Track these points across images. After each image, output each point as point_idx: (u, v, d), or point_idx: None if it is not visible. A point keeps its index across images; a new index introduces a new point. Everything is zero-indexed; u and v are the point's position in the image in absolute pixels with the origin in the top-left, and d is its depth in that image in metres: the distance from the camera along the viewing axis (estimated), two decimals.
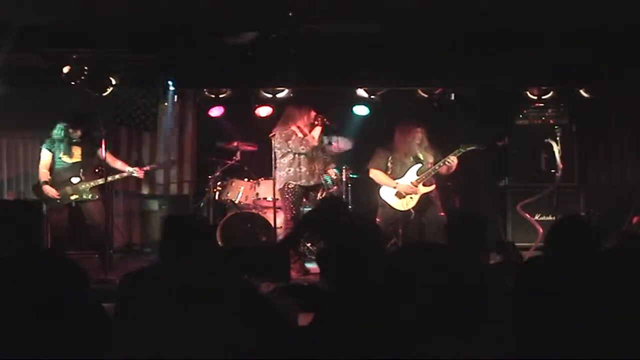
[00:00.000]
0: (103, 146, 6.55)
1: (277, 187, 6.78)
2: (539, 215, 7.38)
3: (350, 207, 7.58)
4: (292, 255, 6.52)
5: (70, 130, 6.65)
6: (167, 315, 2.17)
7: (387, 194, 6.86)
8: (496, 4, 6.04)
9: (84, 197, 6.67)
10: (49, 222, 6.66)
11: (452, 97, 8.07)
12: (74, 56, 6.95)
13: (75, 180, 6.66)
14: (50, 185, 6.62)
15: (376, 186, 6.96)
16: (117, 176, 6.86)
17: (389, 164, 6.87)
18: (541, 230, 6.89)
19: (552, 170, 6.96)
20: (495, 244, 6.15)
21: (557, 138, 6.94)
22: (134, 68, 7.17)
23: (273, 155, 6.83)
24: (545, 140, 7.08)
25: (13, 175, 8.34)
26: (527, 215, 7.25)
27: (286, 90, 7.85)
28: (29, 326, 2.10)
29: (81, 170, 6.67)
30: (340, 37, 6.67)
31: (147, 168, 7.24)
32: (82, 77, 6.99)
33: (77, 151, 6.68)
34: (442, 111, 8.05)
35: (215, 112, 8.27)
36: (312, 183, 6.82)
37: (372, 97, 7.92)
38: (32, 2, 6.03)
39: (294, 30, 6.16)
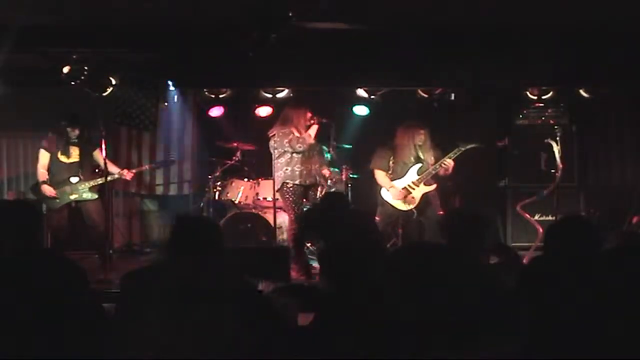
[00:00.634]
0: (103, 146, 6.54)
1: (276, 187, 6.81)
2: (539, 215, 7.38)
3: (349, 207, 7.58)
4: (299, 255, 6.56)
5: (69, 130, 6.62)
6: (167, 315, 2.17)
7: (387, 194, 6.87)
8: (496, 4, 6.04)
9: (84, 196, 6.65)
10: (49, 223, 6.65)
11: (452, 97, 8.07)
12: (74, 56, 6.95)
13: (74, 180, 6.64)
14: (49, 185, 6.61)
15: (377, 186, 6.96)
16: (109, 177, 6.83)
17: (390, 164, 6.87)
18: (541, 230, 6.89)
19: (552, 170, 6.96)
20: (494, 244, 6.15)
21: (557, 138, 6.94)
22: (134, 68, 7.17)
23: (276, 156, 6.87)
24: (545, 140, 7.08)
25: (13, 175, 8.34)
26: (527, 215, 7.25)
27: (286, 90, 7.85)
28: (29, 326, 2.10)
29: (80, 170, 6.66)
30: (341, 37, 6.67)
31: (141, 168, 7.27)
32: (82, 77, 6.98)
33: (75, 151, 6.66)
34: (442, 111, 8.05)
35: (215, 112, 8.27)
36: (308, 182, 6.85)
37: (372, 97, 7.92)
38: (32, 2, 6.03)
39: (294, 30, 6.16)
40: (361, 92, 7.89)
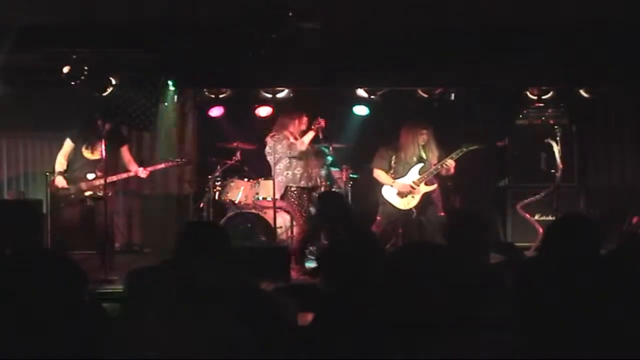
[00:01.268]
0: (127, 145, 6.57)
1: (279, 193, 6.93)
2: (539, 215, 7.38)
3: (349, 206, 7.58)
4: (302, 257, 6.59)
5: (99, 122, 6.42)
6: (170, 315, 2.18)
7: (388, 192, 6.87)
8: (496, 4, 6.04)
9: (98, 193, 6.49)
10: (60, 217, 6.55)
11: (452, 97, 8.07)
12: (74, 56, 6.95)
13: (90, 176, 6.51)
14: (64, 178, 6.47)
15: (377, 185, 6.97)
16: (123, 175, 6.78)
17: (392, 163, 6.88)
18: (541, 230, 6.89)
19: (552, 170, 6.96)
20: (495, 244, 6.16)
21: (557, 138, 6.94)
22: (134, 68, 7.16)
23: (273, 161, 6.97)
24: (545, 140, 7.08)
25: (13, 175, 8.33)
26: (527, 215, 7.26)
27: (286, 90, 7.86)
28: (28, 326, 2.10)
29: (98, 167, 6.46)
30: (340, 37, 6.67)
31: (153, 168, 7.10)
32: (82, 77, 6.97)
33: (101, 147, 6.41)
34: (442, 111, 8.05)
35: (215, 112, 8.26)
36: (310, 184, 6.93)
37: (372, 97, 7.92)
38: (32, 2, 6.03)
39: (294, 30, 6.16)
40: (361, 92, 7.90)
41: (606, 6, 6.01)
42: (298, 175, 6.84)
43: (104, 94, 7.20)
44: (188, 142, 8.59)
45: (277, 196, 6.99)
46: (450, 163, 6.72)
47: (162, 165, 7.32)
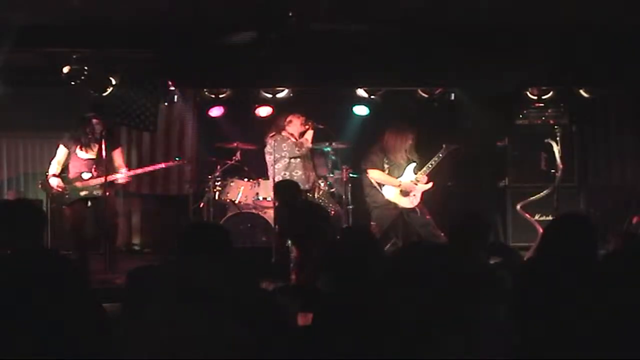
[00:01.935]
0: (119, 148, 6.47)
1: (270, 185, 6.98)
2: (539, 215, 7.38)
3: (350, 206, 7.59)
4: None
5: (94, 121, 6.34)
6: (168, 315, 2.17)
7: (391, 193, 6.87)
8: (496, 4, 6.04)
9: (94, 193, 6.39)
10: (66, 218, 6.48)
11: (452, 97, 8.07)
12: (74, 56, 6.94)
13: (86, 175, 6.40)
14: (58, 178, 6.38)
15: (372, 188, 6.95)
16: (110, 178, 6.72)
17: (385, 165, 6.89)
18: (541, 230, 6.88)
19: (552, 170, 6.96)
20: (495, 244, 6.16)
21: (557, 138, 6.94)
22: (134, 68, 7.16)
23: (272, 161, 7.00)
24: (545, 140, 7.08)
25: (13, 175, 8.34)
26: (527, 215, 7.25)
27: (286, 90, 7.86)
28: (29, 325, 2.10)
29: (94, 167, 6.37)
30: (340, 37, 6.67)
31: (139, 170, 6.99)
32: (82, 77, 6.96)
33: (95, 148, 6.35)
34: (442, 111, 8.06)
35: (215, 112, 8.27)
36: (307, 187, 7.02)
37: (372, 97, 7.92)
38: (32, 2, 6.03)
39: (294, 30, 6.16)
40: (361, 92, 7.90)
41: (606, 6, 6.01)
42: (296, 177, 6.92)
43: (104, 94, 7.20)
44: (188, 142, 8.59)
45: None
46: (422, 176, 6.82)
47: (151, 168, 7.19)
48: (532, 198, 7.22)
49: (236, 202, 7.56)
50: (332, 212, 7.96)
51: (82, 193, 6.42)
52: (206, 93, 8.06)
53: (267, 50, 6.50)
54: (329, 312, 2.55)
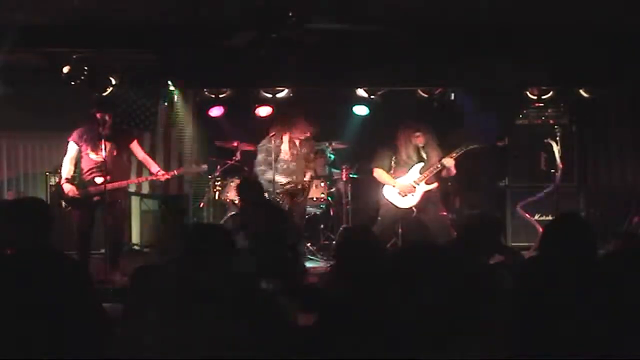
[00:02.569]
0: (136, 140, 6.36)
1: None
2: (539, 215, 7.38)
3: (349, 206, 7.60)
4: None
5: (98, 116, 6.06)
6: (169, 315, 2.17)
7: (390, 192, 6.87)
8: (496, 4, 6.04)
9: (107, 199, 6.12)
10: (73, 220, 6.30)
11: (452, 97, 8.07)
12: (74, 56, 6.94)
13: (99, 180, 6.15)
14: (72, 184, 6.18)
15: (377, 185, 6.96)
16: (142, 179, 6.57)
17: (392, 163, 6.87)
18: (541, 230, 6.88)
19: (552, 170, 6.96)
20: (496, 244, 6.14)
21: (557, 138, 6.94)
22: (134, 68, 7.16)
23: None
24: (545, 140, 7.08)
25: (13, 175, 8.33)
26: (527, 215, 7.25)
27: (286, 90, 7.86)
28: (30, 324, 2.10)
29: (107, 169, 6.08)
30: (340, 37, 6.68)
31: (174, 172, 6.83)
32: (82, 77, 6.96)
33: (105, 147, 6.03)
34: (442, 111, 8.06)
35: (215, 112, 8.27)
36: (289, 187, 7.08)
37: (372, 97, 7.92)
38: (32, 2, 6.03)
39: (294, 30, 6.16)
40: (361, 92, 7.90)
41: (606, 6, 6.01)
42: (283, 180, 7.09)
43: (104, 94, 7.19)
44: (188, 142, 8.59)
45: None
46: (449, 162, 6.69)
47: (176, 172, 6.94)
48: (532, 198, 7.22)
49: (236, 202, 7.55)
50: (332, 212, 7.99)
51: (95, 199, 6.21)
52: (206, 93, 8.06)
53: (267, 50, 6.50)
54: (329, 312, 2.55)
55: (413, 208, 6.86)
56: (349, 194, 7.61)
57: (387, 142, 6.97)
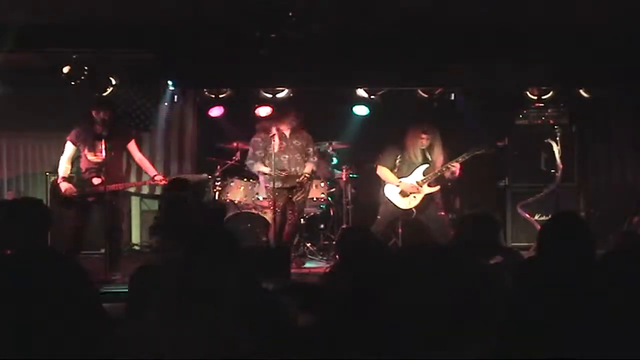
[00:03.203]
0: (134, 140, 6.33)
1: (262, 191, 7.17)
2: (539, 215, 7.38)
3: (349, 206, 7.60)
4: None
5: (96, 115, 6.09)
6: (169, 315, 2.17)
7: (391, 191, 6.87)
8: (496, 4, 6.04)
9: (103, 197, 6.13)
10: (69, 221, 6.30)
11: (452, 97, 8.07)
12: (74, 56, 6.94)
13: (96, 181, 6.12)
14: (70, 183, 6.18)
15: (378, 185, 6.97)
16: (140, 183, 6.50)
17: (397, 162, 6.86)
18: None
19: (552, 170, 6.96)
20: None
21: (557, 138, 6.94)
22: (134, 68, 7.16)
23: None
24: (545, 140, 7.08)
25: (13, 175, 8.33)
26: (527, 215, 7.26)
27: (286, 90, 7.86)
28: (29, 325, 2.10)
29: (104, 170, 6.08)
30: (340, 37, 6.68)
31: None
32: (82, 77, 6.96)
33: (102, 147, 6.04)
34: (442, 111, 8.05)
35: (215, 112, 8.27)
36: (287, 185, 6.98)
37: (372, 97, 7.92)
38: (32, 2, 6.03)
39: (294, 30, 6.16)
40: (361, 92, 7.90)
41: (606, 6, 6.01)
42: (276, 176, 6.98)
43: (104, 94, 7.19)
44: (188, 142, 8.60)
45: (263, 194, 7.22)
46: (455, 166, 6.69)
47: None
48: (532, 198, 7.22)
49: (236, 202, 7.56)
50: (332, 212, 8.00)
51: (91, 200, 6.25)
52: (206, 93, 8.06)
53: (267, 50, 6.50)
54: (329, 312, 2.55)
55: (413, 209, 6.86)
56: (349, 194, 7.61)
57: (394, 140, 6.95)
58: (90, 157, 6.20)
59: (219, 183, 7.73)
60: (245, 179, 7.69)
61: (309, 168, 7.05)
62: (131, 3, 6.10)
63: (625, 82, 7.34)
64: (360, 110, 8.25)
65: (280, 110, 7.23)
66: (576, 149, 7.97)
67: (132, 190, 8.41)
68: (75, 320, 2.16)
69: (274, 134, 6.80)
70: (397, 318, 1.70)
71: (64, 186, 6.20)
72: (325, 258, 7.44)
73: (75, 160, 6.37)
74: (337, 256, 4.41)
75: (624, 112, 8.32)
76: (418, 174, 6.79)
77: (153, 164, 6.99)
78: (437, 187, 6.85)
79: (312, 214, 7.84)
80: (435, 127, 6.84)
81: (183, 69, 7.21)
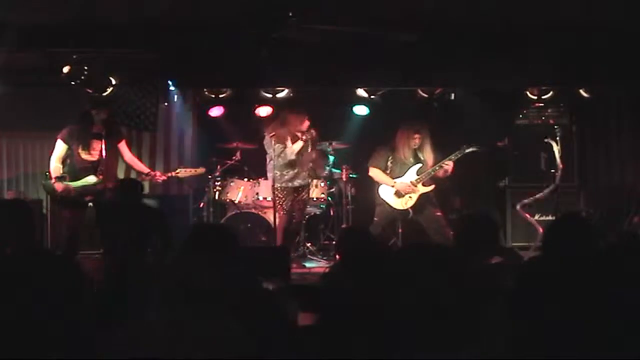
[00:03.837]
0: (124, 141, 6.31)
1: (269, 184, 7.12)
2: (539, 215, 7.39)
3: (349, 206, 7.60)
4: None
5: (94, 112, 6.13)
6: (169, 315, 2.17)
7: (386, 192, 6.87)
8: (497, 4, 6.04)
9: (98, 195, 6.17)
10: (64, 221, 6.31)
11: (452, 97, 8.07)
12: (74, 56, 6.94)
13: (92, 180, 6.16)
14: (63, 182, 6.16)
15: (375, 185, 6.97)
16: (142, 179, 6.45)
17: (389, 163, 6.88)
18: (541, 230, 6.89)
19: (552, 170, 6.96)
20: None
21: (557, 138, 6.94)
22: (134, 68, 7.15)
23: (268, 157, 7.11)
24: (545, 140, 7.08)
25: (13, 175, 8.33)
26: (527, 215, 7.26)
27: (286, 90, 7.86)
28: (27, 326, 2.10)
29: (99, 169, 6.10)
30: (341, 37, 6.67)
31: (171, 174, 6.79)
32: (82, 77, 6.95)
33: (97, 146, 6.10)
34: (442, 111, 8.06)
35: (215, 112, 8.27)
36: (296, 184, 7.08)
37: (372, 97, 7.92)
38: (32, 2, 6.03)
39: (294, 30, 6.16)
40: (361, 92, 7.90)
41: (606, 6, 6.01)
42: (286, 177, 7.05)
43: (104, 94, 7.19)
44: (188, 142, 8.59)
45: (268, 194, 7.22)
46: (448, 164, 6.71)
47: (177, 172, 6.85)
48: (532, 198, 7.22)
49: (236, 202, 7.56)
50: (332, 212, 8.00)
51: (87, 198, 6.24)
52: (206, 93, 8.06)
53: (267, 50, 6.50)
54: (329, 312, 2.55)
55: (409, 209, 6.87)
56: (349, 194, 7.61)
57: (385, 141, 6.98)
58: (85, 156, 6.21)
59: (219, 183, 7.73)
60: (245, 179, 7.69)
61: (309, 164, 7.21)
62: (131, 3, 6.09)
63: (625, 82, 7.34)
64: (360, 110, 8.25)
65: (286, 115, 7.18)
66: (576, 149, 7.97)
67: None
68: (75, 321, 2.16)
69: (306, 138, 6.94)
70: (397, 318, 1.70)
71: (59, 186, 6.19)
72: (325, 258, 7.44)
73: (65, 159, 6.34)
74: (337, 256, 4.43)
75: (624, 112, 8.32)
76: (412, 174, 6.80)
77: (153, 164, 7.00)
78: (432, 186, 6.86)
79: (312, 214, 7.84)
80: (426, 126, 6.87)
81: (183, 69, 7.21)
